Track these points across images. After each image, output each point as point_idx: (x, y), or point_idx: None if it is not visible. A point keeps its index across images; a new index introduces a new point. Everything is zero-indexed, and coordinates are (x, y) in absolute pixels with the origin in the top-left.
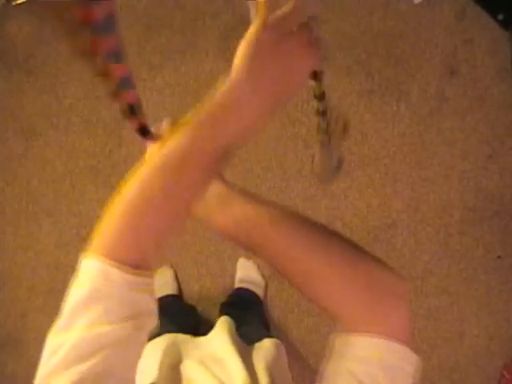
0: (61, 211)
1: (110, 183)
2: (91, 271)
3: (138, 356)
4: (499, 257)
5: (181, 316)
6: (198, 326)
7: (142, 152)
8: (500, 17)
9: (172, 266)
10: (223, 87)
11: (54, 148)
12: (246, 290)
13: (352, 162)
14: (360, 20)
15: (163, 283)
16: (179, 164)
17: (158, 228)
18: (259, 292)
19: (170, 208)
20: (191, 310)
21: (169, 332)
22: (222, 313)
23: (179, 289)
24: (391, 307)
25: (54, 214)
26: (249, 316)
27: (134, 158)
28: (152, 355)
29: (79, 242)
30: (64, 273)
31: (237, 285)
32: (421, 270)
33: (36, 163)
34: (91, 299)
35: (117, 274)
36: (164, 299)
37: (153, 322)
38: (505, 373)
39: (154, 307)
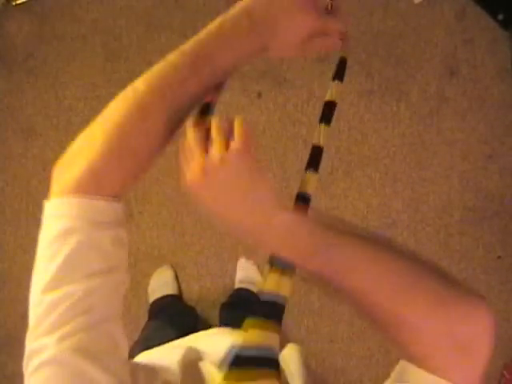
0: None
1: None
2: (74, 211)
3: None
4: (499, 257)
5: (180, 316)
6: (197, 327)
7: None
8: (500, 17)
9: (172, 266)
10: (224, 18)
11: (54, 148)
12: (247, 291)
13: (352, 162)
14: (360, 20)
15: (163, 283)
16: (175, 86)
17: (147, 150)
18: None
19: (166, 128)
20: (191, 310)
21: (167, 332)
22: (222, 313)
23: (179, 289)
24: (472, 359)
25: None
26: None
27: None
28: (170, 355)
29: None
30: None
31: (237, 285)
32: None
33: (36, 163)
34: (82, 250)
35: (105, 208)
36: (164, 299)
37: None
38: (505, 373)
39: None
